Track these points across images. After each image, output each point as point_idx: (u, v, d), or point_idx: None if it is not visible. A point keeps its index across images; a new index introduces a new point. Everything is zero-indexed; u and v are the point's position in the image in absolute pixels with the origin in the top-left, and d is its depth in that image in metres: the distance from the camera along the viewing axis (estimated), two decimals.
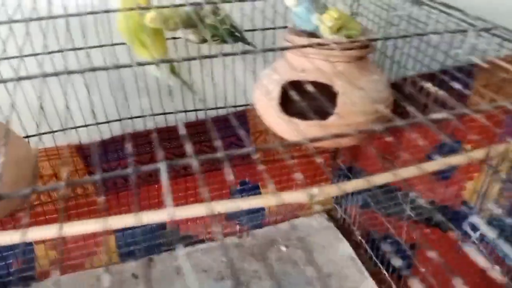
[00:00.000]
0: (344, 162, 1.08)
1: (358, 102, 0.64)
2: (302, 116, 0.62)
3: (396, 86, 0.69)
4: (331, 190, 0.52)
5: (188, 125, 0.90)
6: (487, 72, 0.50)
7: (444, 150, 1.15)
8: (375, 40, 0.69)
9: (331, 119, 0.64)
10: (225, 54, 0.45)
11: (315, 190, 0.52)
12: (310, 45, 0.53)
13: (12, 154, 0.60)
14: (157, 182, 0.97)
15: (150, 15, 0.59)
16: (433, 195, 1.14)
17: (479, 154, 0.62)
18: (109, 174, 0.27)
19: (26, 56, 0.58)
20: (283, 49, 0.60)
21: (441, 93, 0.56)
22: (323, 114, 0.63)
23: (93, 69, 0.41)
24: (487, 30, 0.50)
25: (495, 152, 0.60)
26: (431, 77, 0.67)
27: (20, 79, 0.39)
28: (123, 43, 0.70)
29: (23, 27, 0.49)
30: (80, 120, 0.80)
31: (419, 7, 0.63)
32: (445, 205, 1.17)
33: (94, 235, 0.97)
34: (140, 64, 0.44)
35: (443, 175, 1.18)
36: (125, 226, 0.56)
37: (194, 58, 0.46)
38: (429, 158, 1.14)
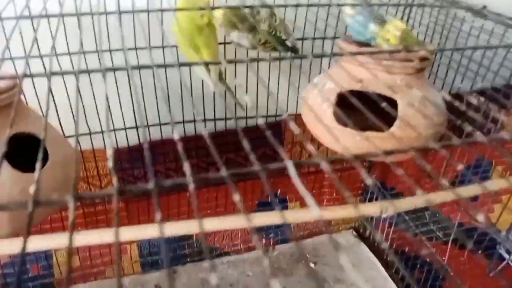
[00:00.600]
0: (376, 177, 1.06)
1: (418, 116, 0.62)
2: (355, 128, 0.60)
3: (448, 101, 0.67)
4: (402, 204, 0.49)
5: (220, 135, 0.88)
6: None
7: (476, 170, 1.14)
8: (446, 50, 0.67)
9: (391, 131, 0.61)
10: (276, 59, 0.43)
11: (387, 204, 0.49)
12: (382, 52, 0.51)
13: (59, 154, 0.58)
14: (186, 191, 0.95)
15: (219, 11, 0.58)
16: (464, 217, 1.12)
17: None
18: (167, 183, 0.23)
19: (79, 52, 0.55)
20: (335, 55, 0.58)
21: (491, 106, 0.54)
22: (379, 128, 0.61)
23: (139, 67, 0.39)
24: None
25: None
26: (482, 93, 0.66)
27: (81, 72, 0.36)
28: (174, 46, 0.68)
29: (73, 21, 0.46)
30: (116, 124, 0.78)
31: (483, 21, 0.61)
32: (474, 227, 1.14)
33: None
34: (183, 64, 0.41)
35: (471, 197, 1.15)
36: (151, 237, 0.54)
37: (242, 61, 0.44)
38: (462, 176, 1.12)
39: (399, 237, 1.05)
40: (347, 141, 0.64)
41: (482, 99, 0.60)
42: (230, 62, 0.43)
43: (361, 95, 0.48)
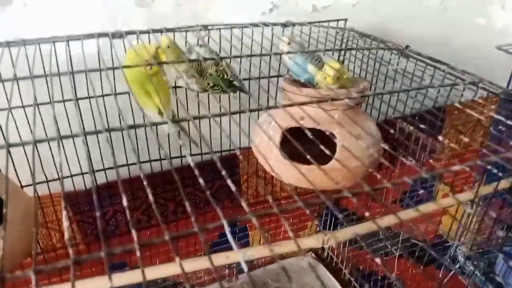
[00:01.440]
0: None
1: (356, 147, 0.68)
2: (302, 160, 0.65)
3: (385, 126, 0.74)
4: (342, 234, 0.54)
5: (179, 170, 0.91)
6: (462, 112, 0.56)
7: (424, 185, 1.22)
8: (382, 94, 0.74)
9: (331, 163, 0.67)
10: (233, 113, 0.48)
11: (328, 234, 0.54)
12: (311, 102, 0.57)
13: (16, 208, 0.59)
14: (155, 226, 0.97)
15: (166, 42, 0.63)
16: (413, 231, 1.19)
17: (466, 196, 0.67)
18: (116, 251, 0.26)
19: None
20: (285, 106, 0.64)
21: (420, 134, 0.61)
22: (320, 159, 0.67)
23: (112, 130, 0.42)
24: (475, 84, 0.56)
25: (483, 192, 0.65)
26: (413, 117, 0.73)
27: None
28: (126, 92, 0.72)
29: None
30: (74, 168, 0.80)
31: (406, 60, 0.68)
32: (424, 240, 1.22)
33: None
34: (153, 124, 0.45)
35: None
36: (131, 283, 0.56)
37: (206, 116, 0.48)
38: (405, 194, 1.20)
39: (356, 255, 1.11)
40: (294, 173, 0.69)
41: (411, 128, 0.67)
42: (196, 118, 0.47)
43: (312, 131, 0.53)
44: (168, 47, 0.65)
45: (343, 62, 0.87)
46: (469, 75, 0.58)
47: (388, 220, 0.59)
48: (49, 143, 0.57)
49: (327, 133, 0.69)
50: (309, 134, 0.49)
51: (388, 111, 0.85)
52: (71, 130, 0.75)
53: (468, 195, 0.59)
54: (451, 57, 0.68)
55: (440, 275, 1.11)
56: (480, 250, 1.09)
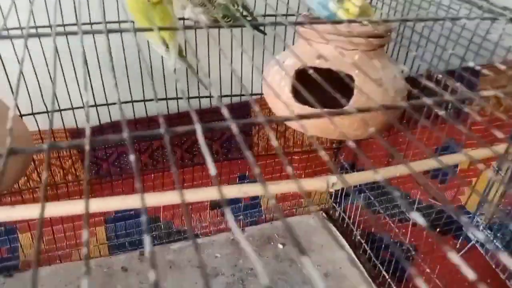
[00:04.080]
0: (346, 159, 1.06)
1: (375, 93, 0.62)
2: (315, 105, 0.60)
3: (413, 80, 0.67)
4: (351, 179, 0.49)
5: (185, 115, 0.87)
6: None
7: (445, 153, 1.14)
8: (406, 20, 0.66)
9: (348, 106, 0.61)
10: (232, 26, 0.42)
11: (333, 177, 0.49)
12: (337, 22, 0.50)
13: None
14: (160, 171, 0.94)
15: None
16: (432, 199, 1.13)
17: (480, 153, 0.61)
18: (140, 133, 0.24)
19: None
20: (297, 23, 0.57)
21: (458, 85, 0.54)
22: (337, 105, 0.61)
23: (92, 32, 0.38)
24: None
25: (495, 152, 0.58)
26: (449, 74, 0.65)
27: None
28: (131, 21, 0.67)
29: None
30: (78, 102, 0.76)
31: None
32: (442, 209, 1.16)
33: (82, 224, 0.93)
34: (139, 30, 0.40)
35: (441, 178, 1.16)
36: (127, 207, 0.53)
37: (200, 27, 0.43)
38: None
39: (370, 218, 1.06)
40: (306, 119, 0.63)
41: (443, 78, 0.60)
42: (187, 28, 0.42)
43: (321, 72, 0.48)
44: None
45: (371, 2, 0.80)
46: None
47: (403, 169, 0.54)
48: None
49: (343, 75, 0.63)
50: (318, 78, 0.43)
51: (414, 63, 0.78)
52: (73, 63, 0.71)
53: (501, 147, 0.52)
54: None
55: (458, 245, 1.05)
56: (501, 223, 1.02)
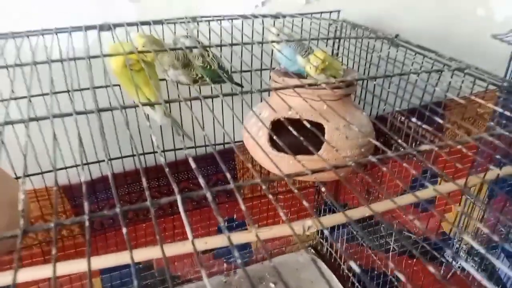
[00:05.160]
0: (328, 195, 1.11)
1: (342, 138, 0.68)
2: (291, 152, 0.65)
3: (379, 121, 0.73)
4: (327, 221, 0.54)
5: (174, 164, 0.92)
6: (463, 107, 0.54)
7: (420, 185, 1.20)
8: (363, 79, 0.73)
9: (319, 154, 0.66)
10: (226, 94, 0.48)
11: (309, 221, 0.54)
12: (302, 86, 0.57)
13: (6, 195, 0.60)
14: (145, 221, 0.97)
15: (140, 42, 0.63)
16: (414, 227, 1.17)
17: (455, 185, 0.66)
18: (130, 207, 0.29)
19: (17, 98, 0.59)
20: (277, 89, 0.63)
21: (423, 126, 0.60)
22: (309, 151, 0.66)
23: (84, 113, 0.43)
24: (461, 70, 0.55)
25: (473, 181, 0.64)
26: (411, 112, 0.72)
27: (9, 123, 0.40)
28: (118, 85, 0.73)
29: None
30: (69, 161, 0.81)
31: (396, 49, 0.68)
32: (426, 237, 1.20)
33: (80, 277, 0.95)
34: (126, 107, 0.46)
35: (422, 207, 1.21)
36: (119, 264, 0.57)
37: (196, 98, 0.48)
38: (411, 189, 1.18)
39: (356, 251, 1.10)
40: (282, 165, 0.68)
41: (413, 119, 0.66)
42: (166, 102, 0.47)
43: (294, 124, 0.53)
44: (144, 46, 0.65)
45: (337, 54, 0.87)
46: (456, 62, 0.57)
47: (383, 206, 0.58)
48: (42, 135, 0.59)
49: (309, 126, 0.69)
50: (291, 129, 0.49)
51: (379, 105, 0.85)
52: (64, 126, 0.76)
53: (475, 180, 0.58)
54: (449, 49, 0.67)
55: (442, 271, 1.09)
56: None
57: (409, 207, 1.17)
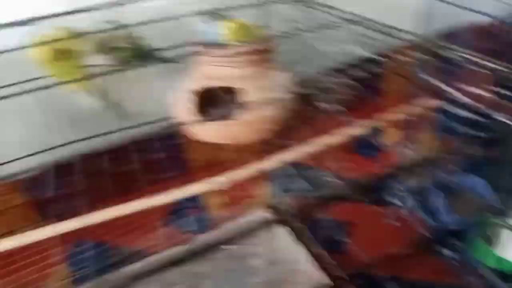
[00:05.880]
0: None
1: (260, 98, 0.73)
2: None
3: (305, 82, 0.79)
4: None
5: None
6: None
7: None
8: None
9: (242, 118, 0.72)
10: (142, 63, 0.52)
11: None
12: (214, 53, 0.61)
13: None
14: None
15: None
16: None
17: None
18: None
19: None
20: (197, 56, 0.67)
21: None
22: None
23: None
24: (354, 22, 0.60)
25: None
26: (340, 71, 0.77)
27: None
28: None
29: None
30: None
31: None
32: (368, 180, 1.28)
33: (44, 266, 0.99)
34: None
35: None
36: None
37: (122, 69, 0.51)
38: None
39: (305, 204, 1.18)
40: (211, 131, 0.74)
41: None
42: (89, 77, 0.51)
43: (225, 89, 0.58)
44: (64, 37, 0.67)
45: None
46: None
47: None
48: None
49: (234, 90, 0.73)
50: (220, 93, 0.53)
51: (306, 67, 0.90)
52: None
53: None
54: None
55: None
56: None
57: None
